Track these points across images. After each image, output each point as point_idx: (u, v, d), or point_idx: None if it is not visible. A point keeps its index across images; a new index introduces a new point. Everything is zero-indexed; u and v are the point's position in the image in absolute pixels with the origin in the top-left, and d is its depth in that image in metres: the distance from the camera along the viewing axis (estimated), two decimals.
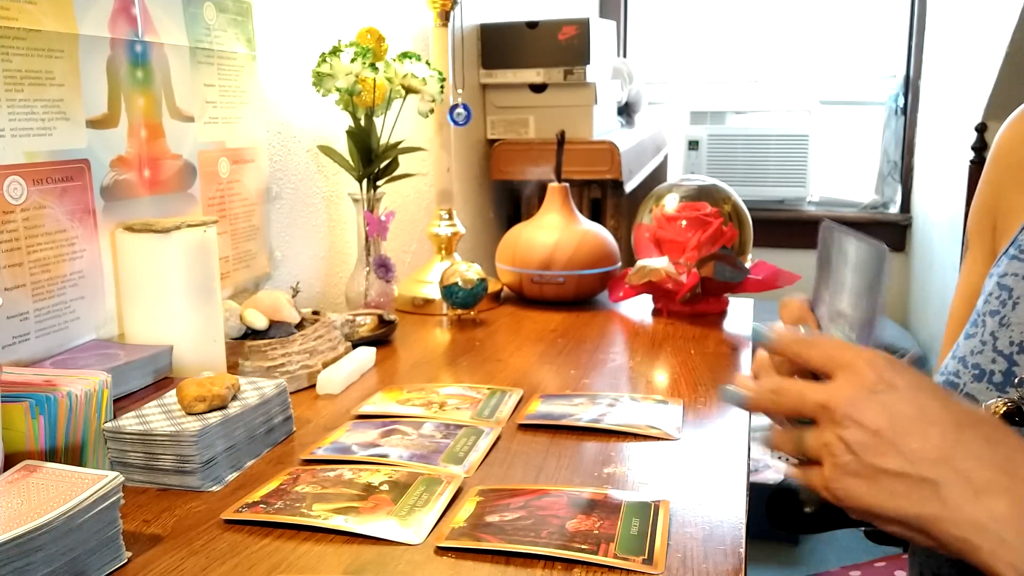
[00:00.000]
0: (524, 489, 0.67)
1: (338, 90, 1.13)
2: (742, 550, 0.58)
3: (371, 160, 1.19)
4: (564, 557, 0.56)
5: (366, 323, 1.12)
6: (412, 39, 1.53)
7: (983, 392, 0.61)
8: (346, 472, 0.69)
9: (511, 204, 2.04)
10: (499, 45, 1.82)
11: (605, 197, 1.89)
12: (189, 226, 0.87)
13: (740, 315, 1.24)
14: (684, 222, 1.23)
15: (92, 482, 0.55)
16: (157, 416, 0.71)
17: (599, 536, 0.58)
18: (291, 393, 0.85)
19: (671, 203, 1.25)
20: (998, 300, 0.64)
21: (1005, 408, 0.57)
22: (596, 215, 1.89)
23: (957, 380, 0.64)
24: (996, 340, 0.62)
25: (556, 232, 1.30)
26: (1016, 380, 0.60)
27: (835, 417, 0.49)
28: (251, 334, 0.96)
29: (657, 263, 1.20)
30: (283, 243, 1.22)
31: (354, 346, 1.04)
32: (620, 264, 1.33)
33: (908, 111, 2.85)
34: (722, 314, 1.25)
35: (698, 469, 0.72)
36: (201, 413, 0.71)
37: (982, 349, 0.63)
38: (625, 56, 3.09)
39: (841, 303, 0.59)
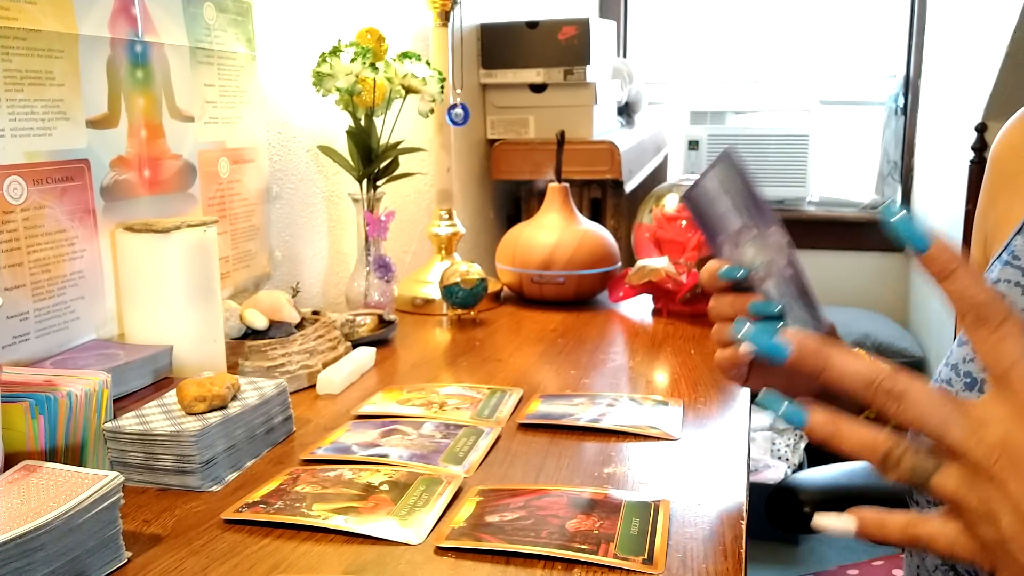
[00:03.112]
0: (524, 489, 0.67)
1: (338, 90, 1.13)
2: (742, 550, 0.58)
3: (371, 160, 1.19)
4: (564, 557, 0.56)
5: (366, 323, 1.12)
6: (412, 39, 1.53)
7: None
8: (346, 472, 0.69)
9: (511, 204, 2.04)
10: (499, 45, 1.82)
11: (605, 197, 1.89)
12: (189, 226, 0.87)
13: None
14: (684, 222, 1.23)
15: (92, 482, 0.55)
16: (157, 416, 0.71)
17: (599, 536, 0.58)
18: (291, 393, 0.85)
19: (671, 203, 1.25)
20: None
21: None
22: (596, 215, 1.89)
23: (950, 388, 0.64)
24: None
25: (556, 232, 1.30)
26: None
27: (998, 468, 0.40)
28: (251, 334, 0.96)
29: (657, 263, 1.20)
30: (283, 243, 1.22)
31: (354, 346, 1.04)
32: (620, 264, 1.33)
33: (908, 111, 2.85)
34: None
35: (698, 469, 0.72)
36: (201, 413, 0.71)
37: (974, 357, 0.63)
38: (625, 56, 3.09)
39: (734, 226, 0.61)
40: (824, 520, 0.47)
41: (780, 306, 0.60)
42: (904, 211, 0.45)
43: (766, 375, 0.66)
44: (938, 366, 0.68)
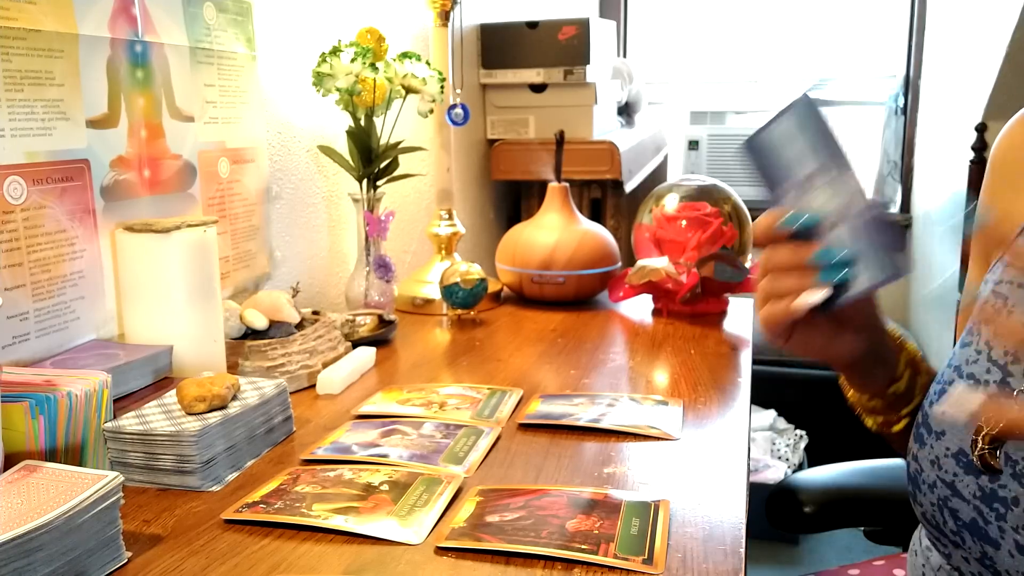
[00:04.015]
0: (524, 489, 0.67)
1: (338, 90, 1.13)
2: (742, 550, 0.58)
3: (371, 160, 1.19)
4: (564, 557, 0.56)
5: (366, 323, 1.12)
6: (412, 39, 1.53)
7: None
8: (346, 472, 0.69)
9: (511, 204, 2.04)
10: (499, 45, 1.81)
11: (605, 197, 1.89)
12: (189, 226, 0.87)
13: (740, 315, 1.24)
14: (684, 222, 1.23)
15: (92, 482, 0.55)
16: (157, 416, 0.71)
17: (599, 536, 0.58)
18: (291, 393, 0.85)
19: (671, 203, 1.25)
20: (993, 308, 0.63)
21: None
22: (596, 215, 1.89)
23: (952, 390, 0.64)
24: (991, 349, 0.62)
25: (556, 232, 1.30)
26: (1015, 392, 0.59)
27: None
28: (251, 334, 0.96)
29: (657, 263, 1.20)
30: (283, 243, 1.22)
31: (354, 346, 1.04)
32: (620, 264, 1.33)
33: (908, 111, 2.85)
34: (722, 314, 1.25)
35: (698, 469, 0.72)
36: (201, 413, 0.71)
37: (977, 359, 0.63)
38: (625, 56, 3.09)
39: (805, 170, 0.58)
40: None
41: (847, 253, 0.56)
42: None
43: (809, 335, 0.64)
44: (940, 368, 0.68)
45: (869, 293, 0.58)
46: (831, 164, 0.57)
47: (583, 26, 1.75)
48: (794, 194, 0.59)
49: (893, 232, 0.56)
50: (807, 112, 0.58)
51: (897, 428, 0.73)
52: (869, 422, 0.75)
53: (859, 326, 0.66)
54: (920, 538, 0.74)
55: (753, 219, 1.28)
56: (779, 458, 2.31)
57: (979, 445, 0.56)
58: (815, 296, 0.59)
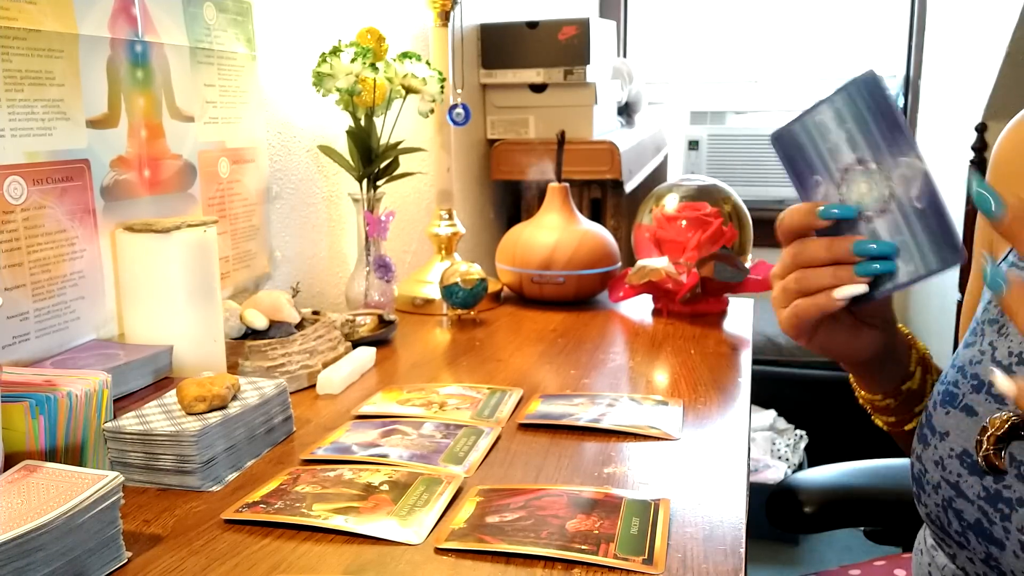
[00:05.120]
0: (524, 489, 0.67)
1: (338, 90, 1.13)
2: (742, 550, 0.58)
3: (371, 160, 1.19)
4: (564, 557, 0.56)
5: (366, 323, 1.12)
6: (412, 39, 1.53)
7: (982, 403, 0.60)
8: (346, 472, 0.69)
9: (511, 204, 2.04)
10: (499, 45, 1.82)
11: (605, 197, 1.89)
12: (189, 226, 0.87)
13: (740, 315, 1.24)
14: (684, 222, 1.23)
15: (92, 482, 0.55)
16: (157, 416, 0.71)
17: (599, 536, 0.58)
18: (291, 393, 0.85)
19: (671, 203, 1.25)
20: (996, 309, 0.63)
21: (1011, 422, 0.56)
22: (596, 215, 1.89)
23: (956, 390, 0.63)
24: (995, 350, 0.61)
25: (556, 232, 1.30)
26: None
27: None
28: (251, 334, 0.96)
29: (657, 263, 1.20)
30: (283, 243, 1.22)
31: (354, 346, 1.04)
32: (620, 264, 1.33)
33: (908, 111, 2.85)
34: (722, 314, 1.25)
35: (698, 469, 0.72)
36: (201, 413, 0.71)
37: (980, 359, 0.63)
38: (625, 56, 3.09)
39: (843, 161, 0.55)
40: (998, 375, 0.47)
41: (890, 245, 0.53)
42: (980, 187, 0.44)
43: (832, 333, 0.63)
44: (944, 368, 0.68)
45: (911, 286, 0.56)
46: (874, 153, 0.54)
47: (583, 26, 1.75)
48: (825, 186, 0.57)
49: (945, 221, 0.52)
50: (857, 97, 0.54)
51: (909, 427, 0.73)
52: (879, 422, 0.75)
53: (877, 323, 0.66)
54: (925, 537, 0.74)
55: (753, 219, 1.28)
56: (779, 458, 2.31)
57: (984, 446, 0.56)
58: (852, 290, 0.56)
